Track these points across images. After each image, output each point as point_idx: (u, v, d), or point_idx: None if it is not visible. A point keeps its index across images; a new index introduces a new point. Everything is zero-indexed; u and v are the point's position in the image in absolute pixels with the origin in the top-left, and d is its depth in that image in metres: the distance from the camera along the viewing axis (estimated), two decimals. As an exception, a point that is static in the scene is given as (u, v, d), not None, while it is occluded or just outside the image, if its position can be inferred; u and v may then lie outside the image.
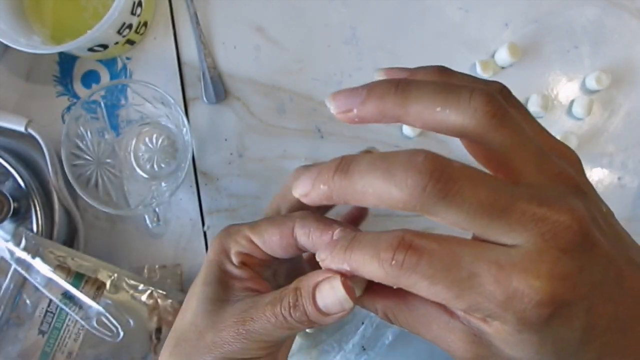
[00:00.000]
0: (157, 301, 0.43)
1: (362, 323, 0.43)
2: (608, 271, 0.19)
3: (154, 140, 0.46)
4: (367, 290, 0.23)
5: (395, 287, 0.19)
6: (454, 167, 0.19)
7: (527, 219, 0.18)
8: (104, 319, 0.42)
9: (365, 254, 0.20)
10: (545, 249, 0.18)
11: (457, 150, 0.46)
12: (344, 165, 0.20)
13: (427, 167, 0.18)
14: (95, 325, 0.42)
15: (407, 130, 0.45)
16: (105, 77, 0.48)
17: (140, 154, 0.46)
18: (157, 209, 0.44)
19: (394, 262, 0.19)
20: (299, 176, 0.21)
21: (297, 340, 0.43)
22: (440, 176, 0.18)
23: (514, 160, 0.20)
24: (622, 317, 0.19)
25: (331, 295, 0.22)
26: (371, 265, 0.19)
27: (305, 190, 0.21)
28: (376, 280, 0.20)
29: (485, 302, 0.18)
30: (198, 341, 0.26)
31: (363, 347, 0.42)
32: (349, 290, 0.22)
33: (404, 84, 0.20)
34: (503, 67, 0.46)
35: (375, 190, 0.19)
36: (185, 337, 0.27)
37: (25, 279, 0.42)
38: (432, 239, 0.20)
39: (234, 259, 0.28)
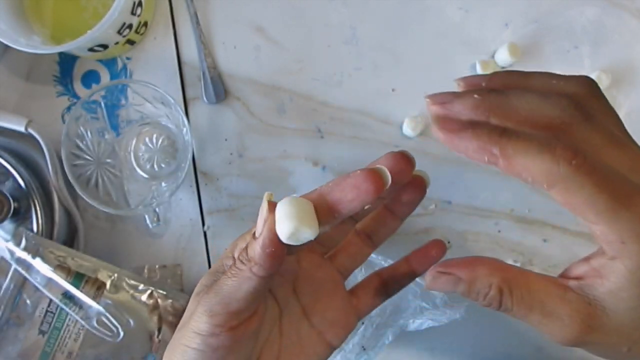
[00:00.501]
0: (157, 301, 0.43)
1: (362, 323, 0.43)
2: None
3: (154, 140, 0.46)
4: (483, 264, 0.24)
5: (548, 188, 0.20)
6: (591, 100, 0.22)
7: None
8: (104, 319, 0.42)
9: (532, 144, 0.20)
10: None
11: (457, 150, 0.46)
12: (499, 84, 0.22)
13: (575, 98, 0.21)
14: (95, 325, 0.42)
15: (407, 130, 0.45)
16: (105, 77, 0.48)
17: (140, 154, 0.46)
18: (157, 209, 0.44)
19: (574, 161, 0.19)
20: (432, 95, 0.22)
21: None
22: (583, 105, 0.21)
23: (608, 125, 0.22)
24: None
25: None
26: (538, 158, 0.19)
27: (447, 99, 0.21)
28: (529, 177, 0.20)
29: (633, 220, 0.19)
30: (183, 320, 0.27)
31: (363, 347, 0.42)
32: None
33: (521, 71, 0.23)
34: (503, 67, 0.46)
35: (530, 105, 0.20)
36: (179, 327, 0.28)
37: (25, 279, 0.42)
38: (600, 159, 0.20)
39: (236, 254, 0.28)
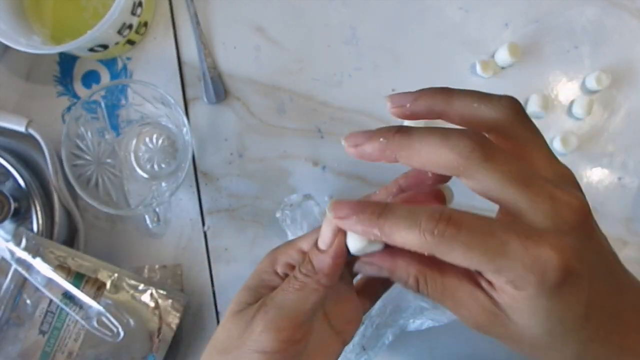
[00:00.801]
0: (157, 301, 0.43)
1: (362, 323, 0.43)
2: (602, 256, 0.23)
3: (154, 140, 0.46)
4: (403, 256, 0.25)
5: (427, 254, 0.22)
6: (493, 143, 0.22)
7: (546, 195, 0.22)
8: (104, 319, 0.42)
9: (402, 222, 0.22)
10: (559, 224, 0.21)
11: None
12: (405, 129, 0.24)
13: (476, 138, 0.22)
14: (95, 325, 0.42)
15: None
16: (105, 77, 0.48)
17: (141, 154, 0.46)
18: (157, 209, 0.44)
19: (436, 231, 0.21)
20: (348, 135, 0.25)
21: None
22: (484, 145, 0.22)
23: (532, 153, 0.24)
24: (613, 302, 0.23)
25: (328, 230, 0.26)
26: (409, 233, 0.22)
27: (360, 142, 0.25)
28: (409, 247, 0.22)
29: (513, 266, 0.21)
30: (229, 341, 0.27)
31: (363, 347, 0.42)
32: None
33: (448, 89, 0.25)
34: (503, 67, 0.46)
35: (430, 149, 0.22)
36: (217, 340, 0.28)
37: (25, 279, 0.42)
38: (468, 214, 0.22)
39: (279, 269, 0.29)
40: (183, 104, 0.47)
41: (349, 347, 0.41)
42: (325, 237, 0.26)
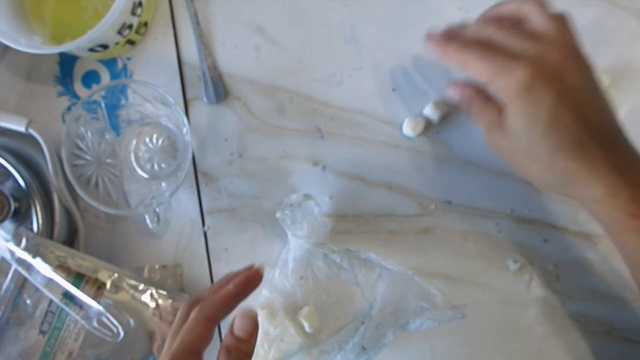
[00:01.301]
0: (157, 301, 0.43)
1: (363, 323, 0.43)
2: (576, 93, 0.32)
3: (154, 140, 0.46)
4: (463, 83, 0.39)
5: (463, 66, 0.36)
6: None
7: (532, 39, 0.34)
8: (104, 319, 0.42)
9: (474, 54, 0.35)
10: (537, 61, 0.33)
11: (457, 149, 0.46)
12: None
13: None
14: (95, 325, 0.42)
15: (407, 130, 0.45)
16: (105, 77, 0.48)
17: (141, 154, 0.46)
18: (157, 209, 0.44)
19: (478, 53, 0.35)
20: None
21: (298, 340, 0.43)
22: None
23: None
24: (577, 128, 0.32)
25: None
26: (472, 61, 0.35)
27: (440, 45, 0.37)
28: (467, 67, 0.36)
29: (501, 76, 0.33)
30: None
31: (363, 347, 0.42)
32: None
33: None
34: (503, 67, 0.46)
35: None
36: None
37: (25, 279, 0.42)
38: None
39: None
40: (183, 104, 0.47)
41: (348, 347, 0.41)
42: (245, 327, 0.32)
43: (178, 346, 0.31)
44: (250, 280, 0.34)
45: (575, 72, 0.33)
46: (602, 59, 0.46)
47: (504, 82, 0.33)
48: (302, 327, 0.43)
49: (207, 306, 0.32)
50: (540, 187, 0.36)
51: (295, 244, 0.43)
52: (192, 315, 0.32)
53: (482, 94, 0.37)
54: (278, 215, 0.42)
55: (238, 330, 0.32)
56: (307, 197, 0.42)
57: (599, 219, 0.34)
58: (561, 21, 0.35)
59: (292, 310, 0.44)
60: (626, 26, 0.46)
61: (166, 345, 0.33)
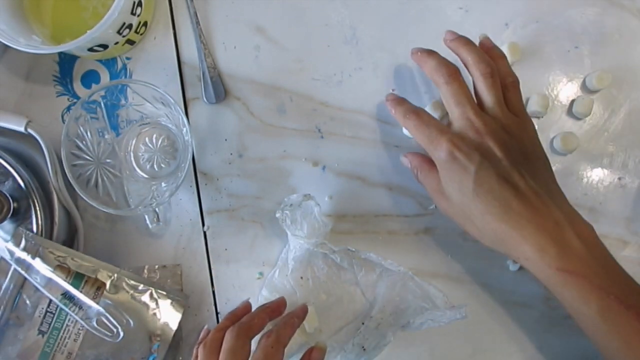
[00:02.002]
0: (157, 301, 0.43)
1: (363, 323, 0.43)
2: (499, 163, 0.36)
3: (154, 140, 0.46)
4: (413, 154, 0.42)
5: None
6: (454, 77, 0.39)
7: (464, 116, 0.38)
8: (104, 319, 0.42)
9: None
10: (460, 136, 0.37)
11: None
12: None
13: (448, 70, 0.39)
14: (95, 325, 0.42)
15: (407, 130, 0.45)
16: (105, 77, 0.48)
17: (140, 154, 0.46)
18: (157, 209, 0.44)
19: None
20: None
21: (298, 340, 0.43)
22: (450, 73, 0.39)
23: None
24: (501, 192, 0.35)
25: None
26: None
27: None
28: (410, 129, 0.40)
29: (431, 147, 0.38)
30: None
31: (363, 347, 0.42)
32: None
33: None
34: (503, 67, 0.46)
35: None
36: None
37: (25, 279, 0.42)
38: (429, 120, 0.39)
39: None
40: (183, 104, 0.47)
41: (349, 347, 0.41)
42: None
43: None
44: (278, 308, 0.42)
45: (504, 144, 0.36)
46: (602, 59, 0.46)
47: (435, 153, 0.37)
48: (302, 327, 0.43)
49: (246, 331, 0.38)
50: (483, 243, 0.38)
51: (295, 244, 0.43)
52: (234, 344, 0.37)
53: (426, 161, 0.41)
54: (278, 215, 0.42)
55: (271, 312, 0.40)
56: (307, 197, 0.42)
57: (534, 275, 0.36)
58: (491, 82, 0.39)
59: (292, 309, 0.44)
60: (626, 26, 0.46)
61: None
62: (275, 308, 0.41)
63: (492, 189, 0.35)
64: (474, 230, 0.37)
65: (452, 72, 0.38)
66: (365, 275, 0.45)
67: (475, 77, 0.39)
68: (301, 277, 0.45)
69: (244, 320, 0.38)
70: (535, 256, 0.34)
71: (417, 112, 0.39)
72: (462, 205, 0.37)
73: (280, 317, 0.41)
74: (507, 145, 0.36)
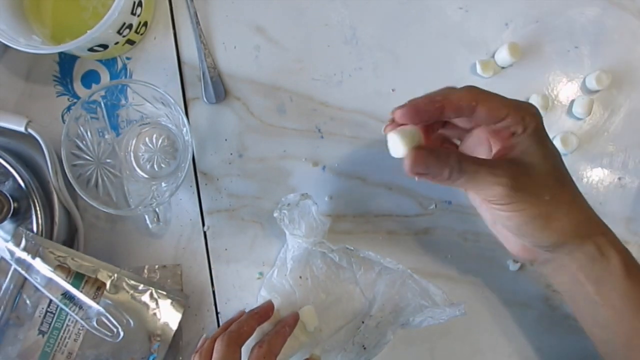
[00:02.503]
0: (157, 301, 0.43)
1: (362, 322, 0.43)
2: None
3: (154, 140, 0.46)
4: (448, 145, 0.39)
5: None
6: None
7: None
8: (104, 319, 0.42)
9: None
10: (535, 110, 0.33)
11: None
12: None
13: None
14: (95, 325, 0.42)
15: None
16: (105, 77, 0.48)
17: (140, 154, 0.46)
18: (157, 209, 0.44)
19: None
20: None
21: (300, 339, 0.43)
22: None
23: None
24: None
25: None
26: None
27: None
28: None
29: (519, 116, 0.32)
30: None
31: (363, 346, 0.42)
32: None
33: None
34: (503, 67, 0.46)
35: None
36: None
37: (25, 279, 0.42)
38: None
39: None
40: (183, 104, 0.47)
41: (349, 346, 0.41)
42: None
43: None
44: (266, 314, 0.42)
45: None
46: (602, 59, 0.46)
47: (525, 120, 0.32)
48: (302, 326, 0.43)
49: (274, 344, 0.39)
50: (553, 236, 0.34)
51: (294, 244, 0.43)
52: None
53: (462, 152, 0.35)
54: (275, 214, 0.42)
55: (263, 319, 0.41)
56: (305, 196, 0.42)
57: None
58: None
59: (292, 310, 0.44)
60: (626, 26, 0.46)
61: None
62: (263, 313, 0.42)
63: (553, 148, 0.34)
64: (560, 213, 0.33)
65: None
66: (364, 274, 0.45)
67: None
68: (300, 277, 0.45)
69: (233, 328, 0.39)
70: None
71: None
72: (552, 178, 0.32)
73: (268, 325, 0.42)
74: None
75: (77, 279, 0.42)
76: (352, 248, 0.44)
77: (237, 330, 0.39)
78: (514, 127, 0.32)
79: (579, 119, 0.46)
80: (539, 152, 0.32)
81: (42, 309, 0.42)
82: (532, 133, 0.32)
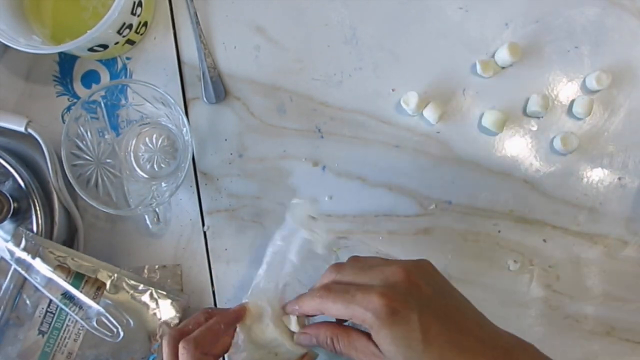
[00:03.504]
0: (157, 301, 0.43)
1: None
2: (432, 301, 0.33)
3: (154, 140, 0.46)
4: (324, 327, 0.36)
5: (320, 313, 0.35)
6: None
7: (378, 273, 0.34)
8: (104, 319, 0.42)
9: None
10: (386, 283, 0.33)
11: (457, 148, 0.46)
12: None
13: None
14: (95, 325, 0.42)
15: (405, 105, 0.45)
16: (105, 77, 0.48)
17: (140, 154, 0.46)
18: (157, 209, 0.44)
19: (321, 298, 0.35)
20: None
21: (295, 353, 0.41)
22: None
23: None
24: (450, 332, 0.31)
25: None
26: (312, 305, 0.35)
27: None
28: (313, 312, 0.35)
29: (359, 310, 0.32)
30: None
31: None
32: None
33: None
34: (503, 67, 0.46)
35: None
36: None
37: (25, 279, 0.42)
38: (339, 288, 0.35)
39: None
40: (183, 104, 0.47)
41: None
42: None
43: None
44: (239, 314, 0.38)
45: (423, 280, 0.34)
46: (602, 58, 0.46)
47: (367, 314, 0.32)
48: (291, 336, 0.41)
49: (201, 342, 0.35)
50: None
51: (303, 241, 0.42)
52: (188, 353, 0.34)
53: (338, 327, 0.35)
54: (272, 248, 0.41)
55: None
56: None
57: None
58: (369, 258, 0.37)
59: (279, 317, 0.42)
60: (626, 26, 0.46)
61: None
62: (213, 313, 0.38)
63: (440, 332, 0.31)
64: None
65: (332, 271, 0.36)
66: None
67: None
68: (299, 281, 0.44)
69: (196, 334, 0.36)
70: None
71: (325, 286, 0.35)
72: None
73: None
74: (429, 278, 0.34)
75: (77, 279, 0.42)
76: (344, 236, 0.44)
77: (203, 339, 0.35)
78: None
79: (579, 119, 0.46)
80: (390, 346, 0.31)
81: (42, 309, 0.42)
82: (379, 329, 0.31)
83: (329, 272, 0.36)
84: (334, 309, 0.33)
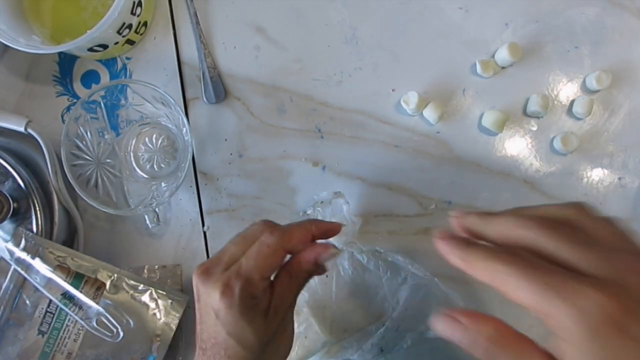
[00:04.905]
0: (157, 301, 0.43)
1: (384, 324, 0.43)
2: None
3: (154, 140, 0.46)
4: (473, 315, 0.26)
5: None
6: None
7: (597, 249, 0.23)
8: (103, 320, 0.42)
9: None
10: (621, 286, 0.21)
11: (457, 148, 0.46)
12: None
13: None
14: (95, 325, 0.42)
15: (405, 106, 0.45)
16: (105, 77, 0.47)
17: (140, 154, 0.46)
18: (157, 209, 0.44)
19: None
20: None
21: (321, 338, 0.43)
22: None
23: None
24: None
25: None
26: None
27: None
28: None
29: (562, 308, 0.22)
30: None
31: (381, 348, 0.42)
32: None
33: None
34: (503, 67, 0.46)
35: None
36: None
37: (25, 279, 0.42)
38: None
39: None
40: (183, 104, 0.47)
41: (367, 347, 0.41)
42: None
43: (252, 269, 0.30)
44: (333, 229, 0.34)
45: None
46: (602, 58, 0.46)
47: (569, 318, 0.21)
48: (325, 325, 0.43)
49: (287, 238, 0.32)
50: None
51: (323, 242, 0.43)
52: (270, 240, 0.31)
53: (510, 331, 0.25)
54: (309, 212, 0.42)
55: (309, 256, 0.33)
56: (337, 194, 0.41)
57: None
58: (615, 226, 0.26)
59: (316, 308, 0.44)
60: (626, 26, 0.46)
61: (227, 254, 0.31)
62: (325, 228, 0.34)
63: None
64: None
65: (534, 222, 0.24)
66: (390, 278, 0.44)
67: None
68: (326, 275, 0.44)
69: (289, 228, 0.33)
70: None
71: (516, 250, 0.24)
72: None
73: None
74: None
75: (77, 279, 0.42)
76: (382, 250, 0.43)
77: (290, 236, 0.32)
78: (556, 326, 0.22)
79: (579, 119, 0.46)
80: None
81: (42, 309, 0.42)
82: (579, 340, 0.21)
83: (524, 222, 0.24)
84: (518, 287, 0.23)
